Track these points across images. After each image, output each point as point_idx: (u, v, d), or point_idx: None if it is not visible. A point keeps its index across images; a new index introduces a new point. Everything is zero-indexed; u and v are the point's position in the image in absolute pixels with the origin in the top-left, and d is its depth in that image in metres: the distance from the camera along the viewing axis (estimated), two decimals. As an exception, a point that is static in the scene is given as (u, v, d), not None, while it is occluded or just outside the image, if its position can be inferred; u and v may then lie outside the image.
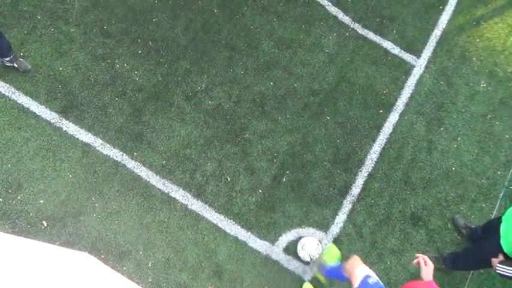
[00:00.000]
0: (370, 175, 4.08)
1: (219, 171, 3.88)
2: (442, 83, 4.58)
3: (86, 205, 3.61)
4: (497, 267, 2.99)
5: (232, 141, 4.02)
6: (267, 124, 4.13)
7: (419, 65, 4.63)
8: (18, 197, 3.56)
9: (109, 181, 3.71)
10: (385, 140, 4.25)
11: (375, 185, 4.05)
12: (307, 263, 3.66)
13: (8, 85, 3.89)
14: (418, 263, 2.57)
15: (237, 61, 4.35)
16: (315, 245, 3.66)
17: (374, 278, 2.68)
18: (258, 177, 3.92)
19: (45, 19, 4.20)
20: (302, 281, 3.62)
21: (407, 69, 4.59)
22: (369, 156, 4.16)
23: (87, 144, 3.80)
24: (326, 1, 4.79)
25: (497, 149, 4.36)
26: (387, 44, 4.68)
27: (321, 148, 4.12)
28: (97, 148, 3.80)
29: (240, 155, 3.97)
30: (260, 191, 3.87)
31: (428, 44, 4.74)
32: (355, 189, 4.01)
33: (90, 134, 3.84)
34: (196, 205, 3.74)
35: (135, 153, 3.84)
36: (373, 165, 4.13)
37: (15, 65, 3.88)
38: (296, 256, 3.68)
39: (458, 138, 4.36)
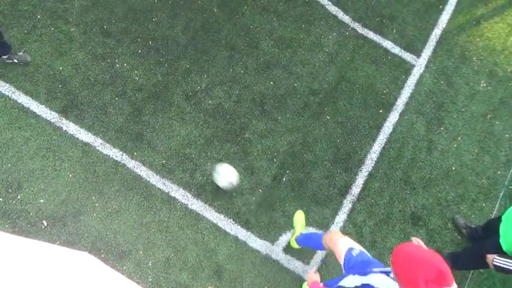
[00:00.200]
0: (370, 175, 4.08)
1: (219, 170, 3.88)
2: (442, 82, 4.58)
3: (86, 205, 3.61)
4: (494, 260, 2.98)
5: (232, 141, 4.02)
6: (267, 124, 4.13)
7: (420, 64, 4.63)
8: (18, 197, 3.56)
9: (109, 181, 3.71)
10: (385, 140, 4.25)
11: (375, 185, 4.05)
12: (231, 184, 3.61)
13: (8, 84, 3.89)
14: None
15: (237, 60, 4.35)
16: (232, 170, 3.61)
17: (357, 249, 2.67)
18: (258, 176, 3.92)
19: (45, 18, 4.19)
20: (302, 281, 3.62)
21: (407, 68, 4.59)
22: (369, 156, 4.16)
23: (87, 144, 3.80)
24: (326, 0, 4.78)
25: (497, 148, 4.36)
26: (387, 44, 4.67)
27: (321, 148, 4.12)
28: (97, 148, 3.80)
29: (240, 155, 3.97)
30: (260, 190, 3.87)
31: (428, 43, 4.74)
32: (355, 189, 4.01)
33: (90, 133, 3.84)
34: (196, 205, 3.74)
35: (135, 153, 3.84)
36: (373, 164, 4.13)
37: (15, 60, 3.87)
38: (296, 256, 3.68)
39: (459, 138, 4.36)
